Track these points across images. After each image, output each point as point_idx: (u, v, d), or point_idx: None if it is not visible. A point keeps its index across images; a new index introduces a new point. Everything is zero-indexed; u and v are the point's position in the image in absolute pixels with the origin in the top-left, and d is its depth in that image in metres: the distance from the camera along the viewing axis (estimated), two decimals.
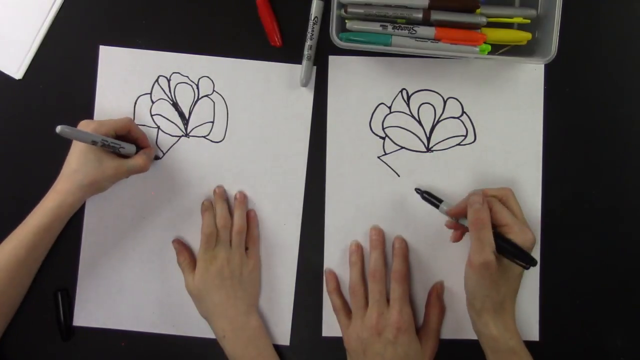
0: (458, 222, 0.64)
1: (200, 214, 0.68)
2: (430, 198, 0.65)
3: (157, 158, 0.69)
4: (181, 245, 0.69)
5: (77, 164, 0.63)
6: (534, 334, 0.67)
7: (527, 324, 0.67)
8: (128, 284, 0.69)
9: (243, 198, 0.69)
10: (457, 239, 0.66)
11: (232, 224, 0.67)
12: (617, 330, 0.68)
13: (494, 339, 0.60)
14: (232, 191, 0.69)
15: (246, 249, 0.68)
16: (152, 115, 0.69)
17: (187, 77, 0.69)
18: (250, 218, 0.69)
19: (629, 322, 0.68)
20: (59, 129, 0.56)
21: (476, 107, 0.68)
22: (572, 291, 0.68)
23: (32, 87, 0.69)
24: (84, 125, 0.64)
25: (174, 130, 0.69)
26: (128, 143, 0.66)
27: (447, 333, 0.68)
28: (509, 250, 0.59)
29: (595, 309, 0.68)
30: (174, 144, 0.69)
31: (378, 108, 0.68)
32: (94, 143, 0.61)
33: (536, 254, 0.67)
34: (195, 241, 0.69)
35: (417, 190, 0.66)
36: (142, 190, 0.69)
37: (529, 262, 0.58)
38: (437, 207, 0.65)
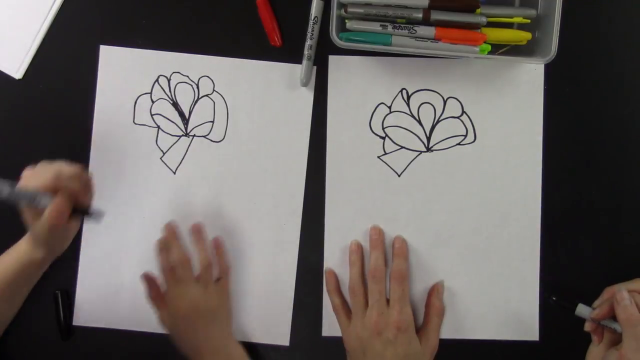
0: (600, 324, 0.62)
1: (202, 213, 0.68)
2: (563, 303, 0.62)
3: (86, 213, 0.61)
4: (151, 280, 0.66)
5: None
6: (534, 334, 0.67)
7: (527, 324, 0.67)
8: (128, 284, 0.69)
9: (198, 230, 0.67)
10: (600, 341, 0.63)
11: (202, 258, 0.65)
12: None
13: None
14: (230, 190, 0.69)
15: (219, 278, 0.67)
16: (152, 115, 0.69)
17: (187, 76, 0.69)
18: (216, 247, 0.67)
19: None
20: None
21: (476, 107, 0.68)
22: (572, 291, 0.68)
23: (32, 87, 0.69)
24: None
25: (174, 130, 0.69)
26: (44, 194, 0.56)
27: (447, 333, 0.68)
28: None
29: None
30: (174, 143, 0.69)
31: (378, 108, 0.68)
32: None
33: (536, 254, 0.67)
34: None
35: (549, 298, 0.64)
36: (142, 190, 0.69)
37: None
38: (572, 311, 0.62)
